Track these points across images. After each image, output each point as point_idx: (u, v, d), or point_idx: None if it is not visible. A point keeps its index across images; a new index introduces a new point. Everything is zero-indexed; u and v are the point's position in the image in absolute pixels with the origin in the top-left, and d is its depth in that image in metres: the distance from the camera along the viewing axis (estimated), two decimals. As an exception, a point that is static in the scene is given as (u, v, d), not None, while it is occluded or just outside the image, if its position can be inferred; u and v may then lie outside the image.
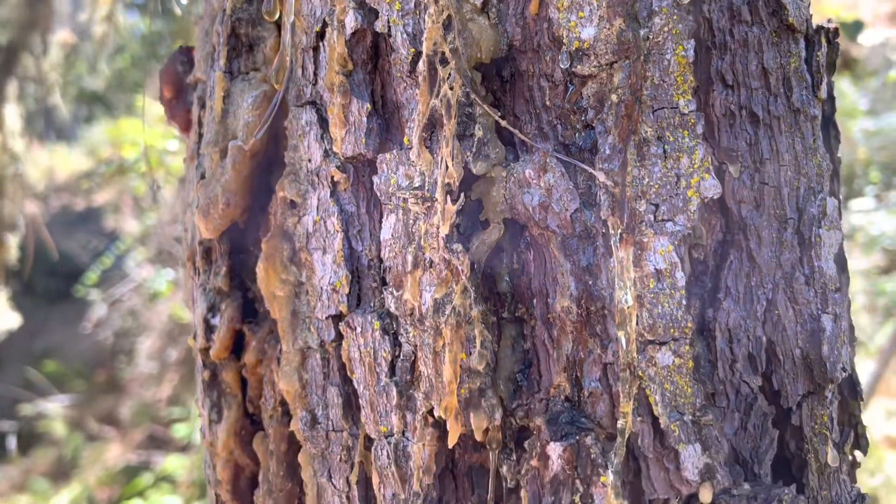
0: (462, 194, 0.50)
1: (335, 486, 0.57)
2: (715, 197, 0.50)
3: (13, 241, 2.24)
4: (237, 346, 0.63)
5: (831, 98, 0.64)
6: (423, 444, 0.53)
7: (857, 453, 0.66)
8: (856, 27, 1.95)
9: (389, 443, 0.54)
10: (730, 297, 0.54)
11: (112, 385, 6.62)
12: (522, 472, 0.51)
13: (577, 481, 0.49)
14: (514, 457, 0.52)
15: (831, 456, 0.57)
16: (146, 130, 2.35)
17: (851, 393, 0.64)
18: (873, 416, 3.99)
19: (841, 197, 0.62)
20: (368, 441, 0.55)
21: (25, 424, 6.12)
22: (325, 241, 0.56)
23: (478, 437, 0.51)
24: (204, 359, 0.64)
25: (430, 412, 0.53)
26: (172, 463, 4.59)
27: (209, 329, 0.63)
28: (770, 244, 0.55)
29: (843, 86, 5.16)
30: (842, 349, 0.56)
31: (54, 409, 6.16)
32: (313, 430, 0.57)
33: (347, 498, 0.56)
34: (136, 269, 6.23)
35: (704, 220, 0.53)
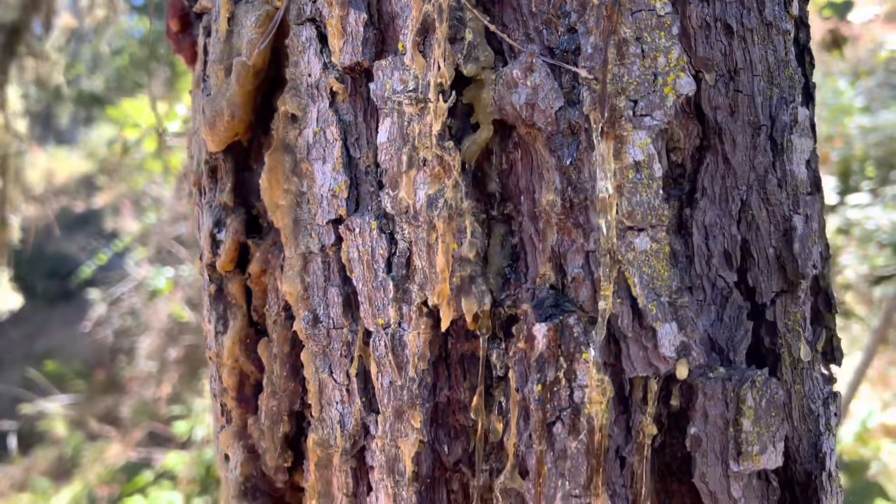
0: (453, 92, 0.53)
1: (336, 381, 0.60)
2: (689, 94, 0.54)
3: (15, 222, 2.27)
4: (242, 262, 0.67)
5: (805, 25, 0.67)
6: (418, 333, 0.56)
7: (833, 367, 0.69)
8: (846, 7, 1.99)
9: (387, 333, 0.57)
10: (706, 197, 0.57)
11: (112, 384, 6.64)
12: (510, 354, 0.54)
13: (561, 359, 0.52)
14: (503, 345, 0.56)
15: (804, 351, 0.60)
16: (150, 111, 2.39)
17: (826, 305, 0.67)
18: (871, 407, 4.02)
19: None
20: (367, 336, 0.59)
21: (26, 424, 6.14)
22: (324, 150, 0.59)
23: (468, 321, 0.54)
24: (210, 274, 0.67)
25: (425, 303, 0.56)
26: (173, 459, 4.60)
27: (215, 244, 0.66)
28: (744, 148, 0.58)
29: (840, 84, 5.21)
30: (812, 248, 0.60)
31: (55, 409, 6.17)
32: (315, 328, 0.60)
33: (347, 390, 0.59)
34: (135, 268, 6.26)
35: (682, 125, 0.56)
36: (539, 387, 0.53)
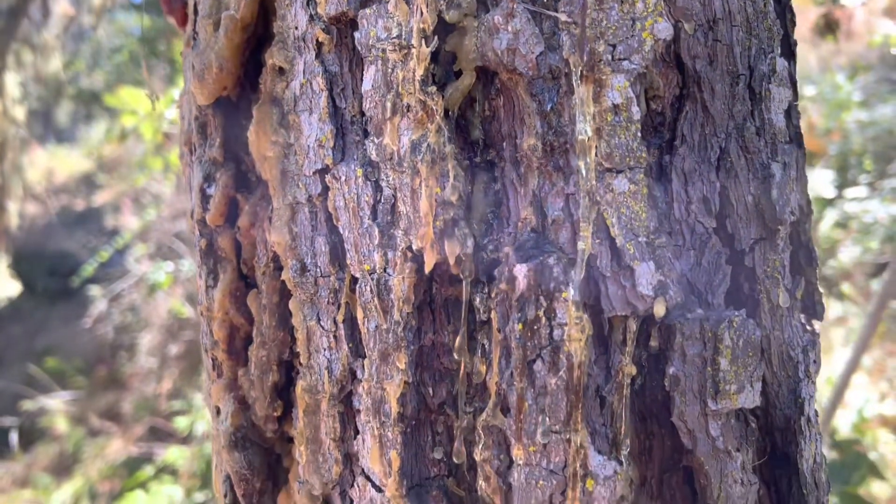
0: (436, 38, 0.54)
1: (323, 328, 0.61)
2: (667, 38, 0.55)
3: (13, 208, 2.29)
4: (231, 216, 0.68)
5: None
6: (403, 278, 0.57)
7: (815, 323, 0.70)
8: (838, -9, 2.00)
9: (372, 279, 0.58)
10: (685, 144, 0.58)
11: (113, 380, 6.65)
12: (492, 296, 0.55)
13: (541, 298, 0.53)
14: (486, 290, 0.57)
15: (783, 297, 0.62)
16: (147, 99, 2.40)
17: (807, 259, 0.68)
18: (868, 397, 4.03)
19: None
20: (353, 283, 0.60)
21: (27, 420, 6.16)
22: (311, 101, 0.61)
23: (451, 263, 0.55)
24: (201, 229, 0.69)
25: (409, 248, 0.57)
26: (173, 454, 4.61)
27: (205, 199, 0.67)
28: (723, 97, 0.59)
29: (838, 79, 5.22)
30: (790, 195, 0.61)
31: (56, 405, 6.19)
32: (303, 277, 0.61)
33: (335, 337, 0.61)
34: (135, 264, 6.28)
35: (662, 73, 0.57)
36: (520, 326, 0.54)
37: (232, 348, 0.68)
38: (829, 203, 4.77)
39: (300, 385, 0.62)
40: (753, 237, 0.60)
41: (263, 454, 0.67)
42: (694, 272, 0.58)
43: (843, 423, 3.59)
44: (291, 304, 0.62)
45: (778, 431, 0.63)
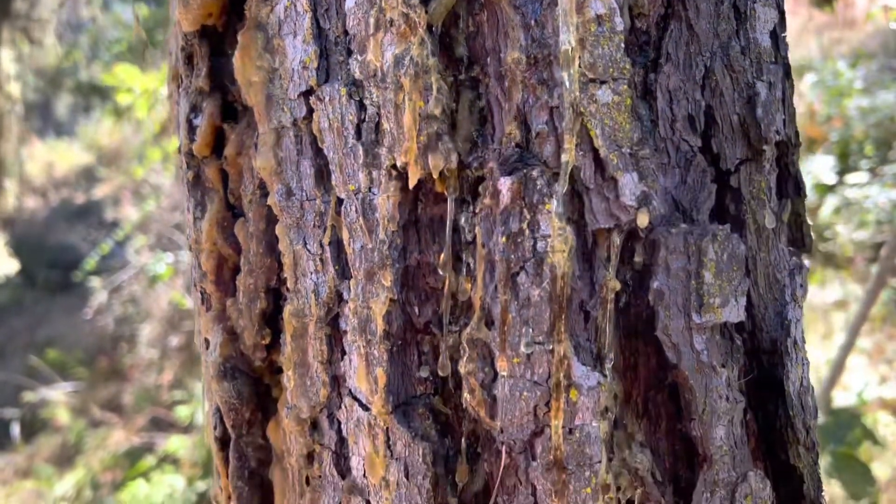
0: (418, -49, 0.54)
1: (309, 251, 0.61)
2: (649, -50, 0.55)
3: (11, 186, 2.29)
4: (218, 148, 0.68)
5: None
6: (388, 196, 0.57)
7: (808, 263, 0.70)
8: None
9: (357, 199, 0.58)
10: (670, 62, 0.58)
11: (114, 372, 6.67)
12: (477, 212, 0.55)
13: (525, 210, 0.54)
14: (471, 209, 0.57)
15: (768, 218, 0.62)
16: (142, 77, 2.40)
17: (795, 191, 0.68)
18: (868, 380, 4.03)
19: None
20: (339, 205, 0.60)
21: (29, 412, 6.17)
22: (295, 24, 0.61)
23: (435, 178, 0.55)
24: (188, 161, 0.69)
25: (394, 166, 0.57)
26: (175, 443, 4.62)
27: (192, 130, 0.67)
28: (708, 16, 0.59)
29: (839, 66, 5.22)
30: (776, 115, 0.61)
31: (57, 397, 6.21)
32: (289, 201, 0.61)
33: (321, 260, 0.61)
34: (135, 256, 6.28)
35: (646, -8, 0.57)
36: (504, 238, 0.54)
37: (220, 279, 0.68)
38: (829, 189, 4.77)
39: (287, 310, 0.62)
40: (739, 157, 0.60)
41: (252, 384, 0.67)
42: (679, 190, 0.58)
43: (843, 405, 3.59)
44: (278, 230, 0.62)
45: (765, 354, 0.63)
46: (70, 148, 9.38)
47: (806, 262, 0.70)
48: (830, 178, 4.76)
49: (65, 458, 5.72)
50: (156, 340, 6.17)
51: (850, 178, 4.73)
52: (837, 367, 2.24)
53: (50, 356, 6.68)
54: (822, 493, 0.65)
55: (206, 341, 0.70)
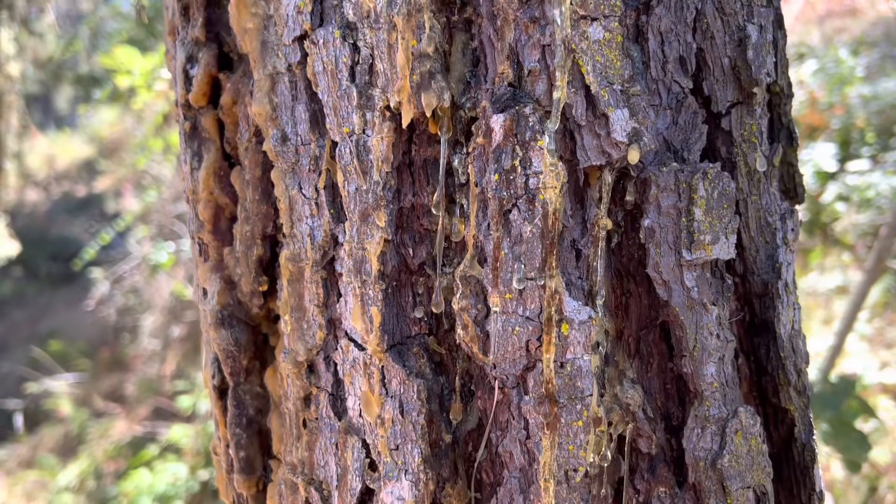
0: None
1: (305, 196, 0.62)
2: None
3: (11, 168, 2.30)
4: (214, 99, 0.68)
5: None
6: (382, 137, 0.58)
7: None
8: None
9: (352, 141, 0.59)
10: (662, 4, 0.58)
11: (116, 362, 6.69)
12: (470, 151, 0.56)
13: (517, 147, 0.54)
14: (465, 150, 0.57)
15: (759, 161, 0.62)
16: (140, 59, 2.40)
17: (788, 141, 0.69)
18: (868, 365, 4.03)
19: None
20: (333, 149, 0.60)
21: (32, 403, 6.20)
22: (291, -30, 0.61)
23: (428, 117, 0.56)
24: (185, 112, 0.69)
25: (388, 107, 0.58)
26: (177, 433, 4.64)
27: (188, 80, 0.68)
28: (698, -41, 0.59)
29: (841, 54, 5.20)
30: (766, 57, 0.61)
31: (60, 388, 6.23)
32: (284, 146, 0.62)
33: (316, 204, 0.61)
34: (137, 246, 6.29)
35: (637, -65, 0.58)
36: (496, 176, 0.55)
37: (217, 228, 0.68)
38: (831, 177, 4.77)
39: (284, 255, 0.63)
40: (730, 100, 0.61)
41: (250, 332, 0.68)
42: (670, 131, 0.58)
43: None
44: (273, 176, 0.63)
45: (756, 298, 0.63)
46: (71, 141, 9.38)
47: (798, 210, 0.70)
48: (832, 166, 4.75)
49: (68, 449, 5.75)
50: (158, 331, 6.19)
51: (852, 165, 4.72)
52: (837, 346, 2.24)
53: (52, 347, 6.70)
54: (814, 437, 0.65)
55: (204, 291, 0.70)
